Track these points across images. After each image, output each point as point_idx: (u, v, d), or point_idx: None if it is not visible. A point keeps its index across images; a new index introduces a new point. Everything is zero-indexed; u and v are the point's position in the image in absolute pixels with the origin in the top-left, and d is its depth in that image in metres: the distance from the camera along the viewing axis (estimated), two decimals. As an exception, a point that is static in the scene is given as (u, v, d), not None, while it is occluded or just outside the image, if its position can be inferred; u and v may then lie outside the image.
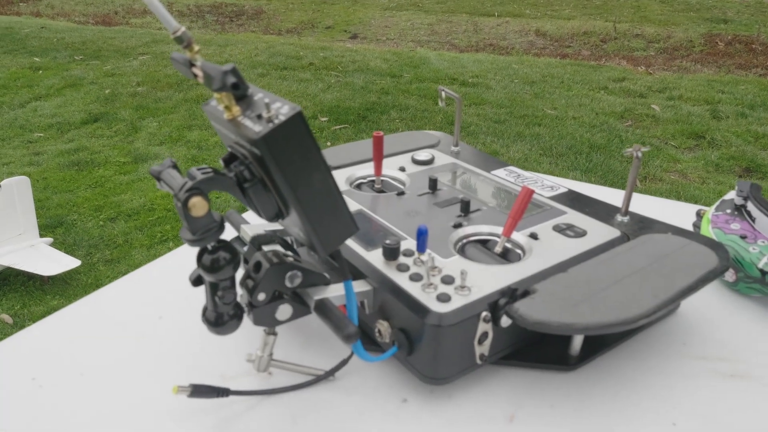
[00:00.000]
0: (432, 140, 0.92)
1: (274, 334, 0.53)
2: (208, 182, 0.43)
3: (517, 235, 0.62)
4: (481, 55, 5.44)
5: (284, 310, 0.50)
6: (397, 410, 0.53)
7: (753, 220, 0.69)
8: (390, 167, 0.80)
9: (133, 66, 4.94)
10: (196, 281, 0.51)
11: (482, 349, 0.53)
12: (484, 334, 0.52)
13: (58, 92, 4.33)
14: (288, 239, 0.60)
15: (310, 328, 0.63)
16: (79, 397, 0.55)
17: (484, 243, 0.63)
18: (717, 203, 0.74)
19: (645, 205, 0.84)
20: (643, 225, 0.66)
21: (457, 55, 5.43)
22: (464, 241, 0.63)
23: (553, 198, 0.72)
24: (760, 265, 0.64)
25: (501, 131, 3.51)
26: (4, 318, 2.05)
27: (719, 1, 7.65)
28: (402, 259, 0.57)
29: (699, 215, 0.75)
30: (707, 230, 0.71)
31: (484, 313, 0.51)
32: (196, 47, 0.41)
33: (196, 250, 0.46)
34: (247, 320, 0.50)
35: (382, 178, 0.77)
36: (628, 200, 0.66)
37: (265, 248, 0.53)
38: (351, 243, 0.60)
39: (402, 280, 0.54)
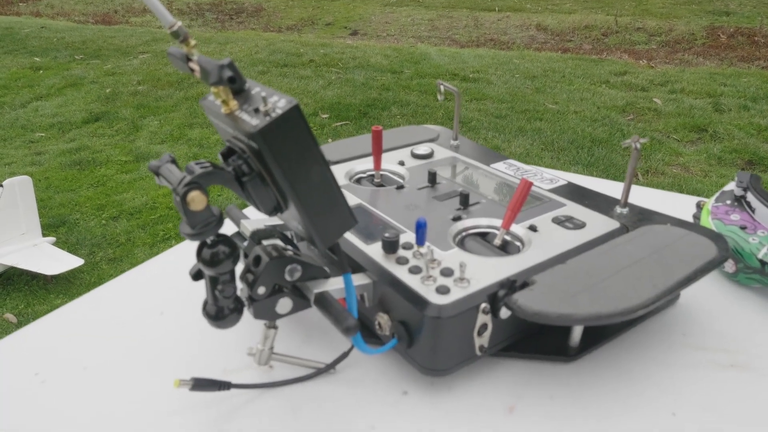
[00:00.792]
0: (431, 134, 0.92)
1: (275, 327, 0.54)
2: (206, 176, 0.44)
3: (516, 228, 0.62)
4: (482, 50, 5.43)
5: (284, 304, 0.51)
6: (397, 402, 0.53)
7: (753, 210, 0.69)
8: (389, 161, 0.80)
9: (133, 65, 4.94)
10: (196, 276, 0.52)
11: (482, 341, 0.53)
12: (484, 326, 0.52)
13: (58, 92, 4.34)
14: (288, 234, 0.61)
15: (311, 322, 0.63)
16: (82, 391, 0.55)
17: (483, 236, 0.63)
18: (717, 194, 0.74)
19: (645, 197, 0.84)
20: (643, 216, 0.66)
21: (457, 50, 5.42)
22: (463, 233, 0.63)
23: (552, 190, 0.72)
24: (760, 255, 0.64)
25: (502, 126, 3.51)
26: (8, 317, 2.06)
27: (721, -6, 7.61)
28: (401, 252, 0.57)
29: (699, 206, 0.75)
30: (707, 221, 0.71)
31: (483, 305, 0.51)
32: (193, 42, 0.41)
33: (195, 245, 0.46)
34: (247, 314, 0.50)
35: (381, 172, 0.77)
36: (627, 192, 0.66)
37: (265, 242, 0.53)
38: (350, 237, 0.61)
39: (401, 272, 0.54)
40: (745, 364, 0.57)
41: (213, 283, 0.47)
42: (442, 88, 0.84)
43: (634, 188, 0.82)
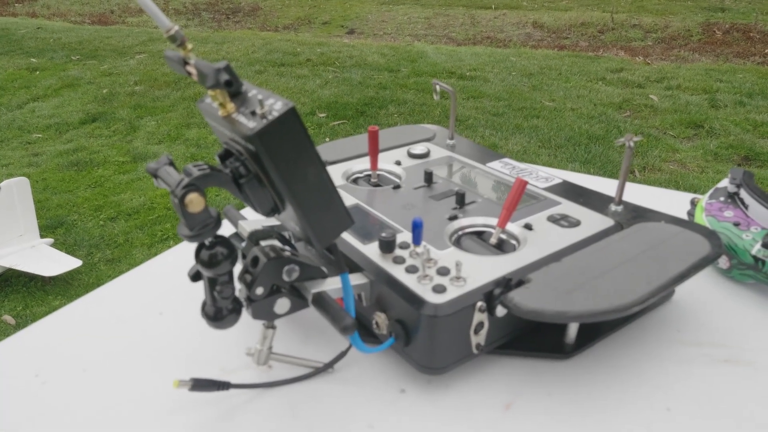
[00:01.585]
0: (428, 134, 0.92)
1: (273, 327, 0.54)
2: (204, 178, 0.44)
3: (511, 226, 0.63)
4: (479, 48, 5.43)
5: (282, 304, 0.51)
6: (395, 400, 0.54)
7: (746, 207, 0.69)
8: (386, 161, 0.81)
9: (130, 65, 4.93)
10: (195, 277, 0.52)
11: (478, 339, 0.53)
12: (480, 324, 0.53)
13: (55, 93, 4.33)
14: (285, 234, 0.61)
15: (309, 322, 0.63)
16: (82, 392, 0.56)
17: (479, 234, 0.64)
18: (710, 191, 0.74)
19: (640, 194, 0.84)
20: (637, 214, 0.66)
21: (454, 48, 5.42)
22: (460, 233, 0.63)
23: (547, 189, 0.73)
24: (753, 251, 0.65)
25: (499, 124, 3.51)
26: (6, 319, 2.06)
27: (717, -10, 7.62)
28: (398, 252, 0.57)
29: (693, 203, 0.76)
30: (701, 218, 0.71)
31: (479, 303, 0.52)
32: (190, 45, 0.42)
33: (194, 246, 0.47)
34: (245, 315, 0.50)
35: (378, 172, 0.78)
36: (621, 189, 0.67)
37: (263, 243, 0.53)
38: (347, 237, 0.61)
39: (398, 272, 0.54)
40: (739, 359, 0.58)
41: (211, 284, 0.48)
42: (437, 87, 0.84)
43: (629, 186, 0.82)
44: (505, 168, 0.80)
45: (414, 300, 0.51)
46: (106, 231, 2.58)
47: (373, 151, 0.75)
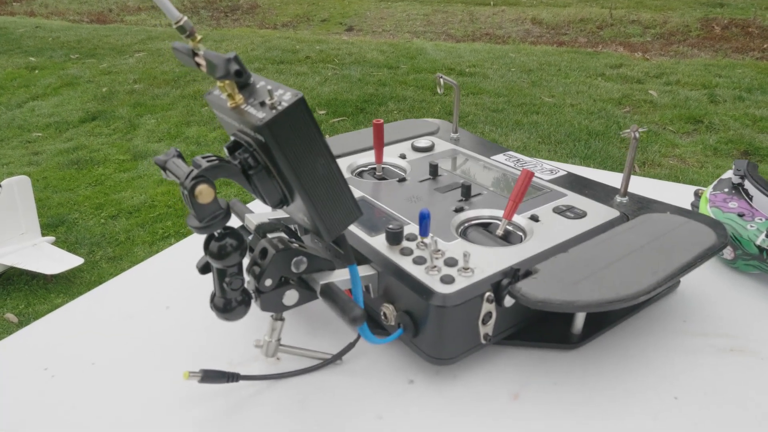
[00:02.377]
0: (431, 127, 0.93)
1: (282, 319, 0.54)
2: (213, 170, 0.44)
3: (518, 218, 0.63)
4: (478, 44, 5.43)
5: (291, 296, 0.51)
6: (404, 391, 0.54)
7: (750, 198, 0.69)
8: (390, 155, 0.81)
9: (129, 63, 4.93)
10: (204, 269, 0.52)
11: (486, 329, 0.54)
12: (488, 315, 0.53)
13: (55, 91, 4.32)
14: (292, 227, 0.61)
15: (317, 315, 0.64)
16: (92, 385, 0.56)
17: (485, 226, 0.64)
18: (714, 182, 0.75)
19: (644, 187, 0.85)
20: (642, 205, 0.67)
21: (453, 45, 5.41)
22: (466, 224, 0.64)
23: (552, 181, 0.73)
24: (758, 242, 0.65)
25: (499, 120, 3.51)
26: (9, 317, 2.06)
27: (715, -15, 7.61)
28: (405, 244, 0.58)
29: (697, 195, 0.76)
30: (705, 209, 0.71)
31: (487, 294, 0.52)
32: (199, 36, 0.42)
33: (198, 241, 0.47)
34: (253, 308, 0.50)
35: (383, 165, 0.78)
36: (626, 181, 0.67)
37: (270, 236, 0.53)
38: (355, 229, 0.61)
39: (406, 263, 0.55)
40: (745, 349, 0.58)
41: (221, 275, 0.48)
42: (441, 81, 0.84)
43: (633, 179, 0.82)
44: (509, 161, 0.80)
45: (422, 291, 0.51)
46: (108, 229, 2.58)
47: (378, 144, 0.75)
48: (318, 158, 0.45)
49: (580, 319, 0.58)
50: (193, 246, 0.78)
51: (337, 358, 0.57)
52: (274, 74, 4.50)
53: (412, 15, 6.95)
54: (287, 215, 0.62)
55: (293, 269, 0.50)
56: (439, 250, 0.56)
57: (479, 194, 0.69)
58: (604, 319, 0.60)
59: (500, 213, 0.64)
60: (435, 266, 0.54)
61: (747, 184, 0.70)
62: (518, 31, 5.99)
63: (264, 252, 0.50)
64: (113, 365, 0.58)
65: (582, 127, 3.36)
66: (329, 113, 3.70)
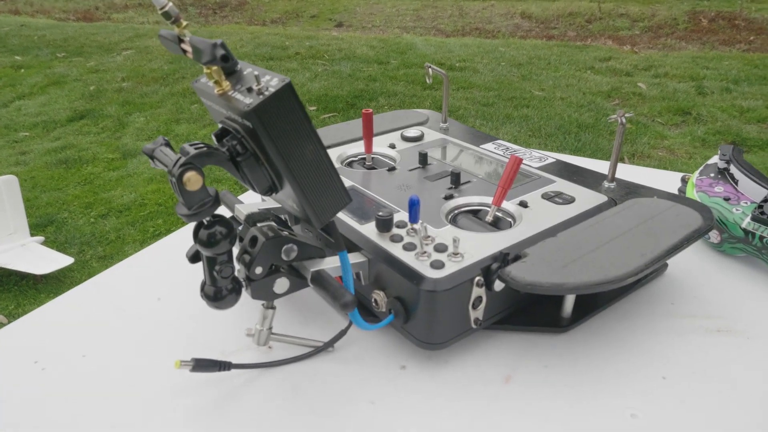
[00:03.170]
0: (421, 118, 0.93)
1: (273, 308, 0.54)
2: (201, 157, 0.44)
3: (507, 204, 0.63)
4: (468, 39, 5.43)
5: (281, 284, 0.51)
6: (396, 377, 0.54)
7: (736, 182, 0.70)
8: (380, 145, 0.81)
9: (117, 61, 4.88)
10: (194, 258, 0.52)
11: (477, 314, 0.54)
12: (478, 299, 0.53)
13: (41, 90, 4.28)
14: (282, 217, 0.61)
15: (308, 303, 0.64)
16: (83, 377, 0.56)
17: (475, 213, 0.64)
18: (701, 168, 0.75)
19: (631, 174, 0.85)
20: (630, 190, 0.67)
21: (443, 40, 5.41)
22: (456, 211, 0.64)
23: (541, 168, 0.73)
24: (744, 225, 0.66)
25: (490, 114, 3.52)
26: (-1, 317, 2.05)
27: (702, -22, 7.66)
28: (395, 231, 0.58)
29: (684, 181, 0.77)
30: (692, 194, 0.72)
31: (477, 278, 0.52)
32: (184, 22, 0.42)
33: (186, 234, 0.47)
34: (244, 298, 0.50)
35: (372, 155, 0.78)
36: (614, 167, 0.67)
37: (260, 225, 0.53)
38: (344, 217, 0.61)
39: (396, 249, 0.55)
40: (731, 329, 0.59)
41: (211, 263, 0.48)
42: (430, 71, 0.84)
43: (621, 167, 0.83)
44: (498, 149, 0.80)
45: (413, 276, 0.52)
46: (97, 228, 2.56)
47: (368, 134, 0.75)
48: (306, 144, 0.45)
49: (569, 303, 0.58)
50: (182, 238, 0.78)
51: (329, 345, 0.57)
52: (264, 71, 4.47)
53: (401, 10, 6.94)
54: (277, 205, 0.62)
55: (284, 257, 0.50)
56: (428, 237, 0.56)
57: (468, 182, 0.69)
58: (593, 303, 0.61)
59: (489, 200, 0.64)
60: (425, 252, 0.54)
61: (732, 169, 0.71)
62: (508, 25, 6.00)
63: (254, 240, 0.50)
64: (104, 357, 0.58)
65: (572, 120, 3.38)
66: (320, 109, 3.69)
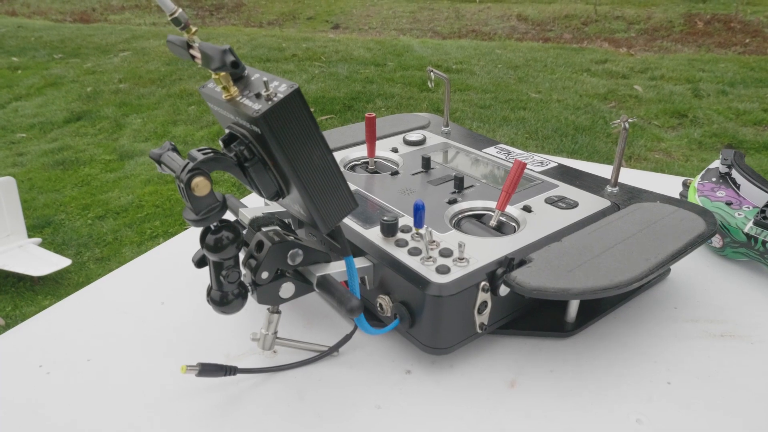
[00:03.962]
0: (422, 121, 0.93)
1: (278, 312, 0.54)
2: (209, 162, 0.44)
3: (510, 209, 0.63)
4: (464, 41, 5.44)
5: (287, 288, 0.51)
6: (401, 381, 0.54)
7: (738, 186, 0.71)
8: (382, 149, 0.81)
9: (114, 63, 4.87)
10: (200, 262, 0.52)
11: (482, 319, 0.54)
12: (484, 304, 0.53)
13: (38, 92, 4.26)
14: (286, 221, 0.61)
15: (313, 308, 0.64)
16: (88, 381, 0.56)
17: (479, 217, 0.64)
18: (702, 172, 0.76)
19: (633, 178, 0.86)
20: (633, 195, 0.67)
21: (440, 42, 5.42)
22: (459, 216, 0.64)
23: (543, 172, 0.74)
24: (746, 229, 0.66)
25: (487, 116, 3.53)
26: (-5, 320, 2.04)
27: (697, -19, 7.70)
28: (400, 235, 0.58)
29: (685, 185, 0.77)
30: (694, 199, 0.72)
31: (482, 283, 0.52)
32: (194, 28, 0.42)
33: (188, 237, 0.47)
34: (250, 302, 0.50)
35: (375, 159, 0.78)
36: (617, 171, 0.68)
37: (265, 229, 0.53)
38: (349, 221, 0.61)
39: (401, 254, 0.55)
40: (735, 333, 0.59)
41: (217, 268, 0.48)
42: (432, 75, 0.84)
43: (622, 171, 0.83)
44: (500, 153, 0.80)
45: (418, 281, 0.52)
46: (95, 230, 2.56)
47: (371, 138, 0.75)
48: (314, 149, 0.45)
49: (573, 308, 0.59)
50: (184, 242, 0.77)
51: (334, 350, 0.57)
52: (261, 72, 4.47)
53: (398, 12, 6.95)
54: (280, 209, 0.62)
55: (289, 261, 0.50)
56: (434, 241, 0.56)
57: (472, 186, 0.69)
58: (597, 308, 0.61)
59: (493, 204, 0.64)
60: (430, 257, 0.54)
61: (734, 173, 0.72)
62: (504, 27, 6.02)
63: (260, 245, 0.50)
64: (109, 361, 0.58)
65: (569, 122, 3.39)
66: (317, 111, 3.69)
